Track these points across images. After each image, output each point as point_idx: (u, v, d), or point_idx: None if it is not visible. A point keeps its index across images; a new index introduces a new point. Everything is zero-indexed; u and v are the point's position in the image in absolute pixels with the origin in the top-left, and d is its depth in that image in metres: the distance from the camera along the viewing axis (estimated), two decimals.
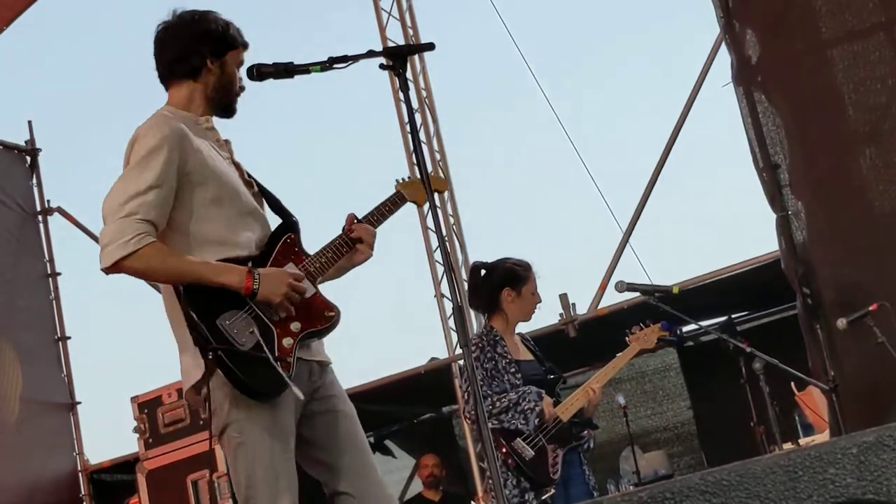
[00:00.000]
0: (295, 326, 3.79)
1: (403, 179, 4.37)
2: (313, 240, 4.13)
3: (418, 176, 4.21)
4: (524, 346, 6.33)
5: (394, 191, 4.30)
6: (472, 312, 10.52)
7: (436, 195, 3.98)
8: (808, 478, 1.63)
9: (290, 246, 3.97)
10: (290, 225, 4.04)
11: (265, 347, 3.66)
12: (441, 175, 10.74)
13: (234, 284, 3.69)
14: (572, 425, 6.11)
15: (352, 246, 4.06)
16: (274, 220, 4.07)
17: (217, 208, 3.82)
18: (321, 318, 3.90)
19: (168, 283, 3.79)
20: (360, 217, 4.15)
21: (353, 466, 3.96)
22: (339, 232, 4.10)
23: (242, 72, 3.96)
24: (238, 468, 3.79)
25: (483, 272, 6.33)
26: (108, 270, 3.70)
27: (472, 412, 6.01)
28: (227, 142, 4.07)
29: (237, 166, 4.04)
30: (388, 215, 4.23)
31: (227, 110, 4.04)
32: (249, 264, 3.76)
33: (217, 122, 4.05)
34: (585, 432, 6.18)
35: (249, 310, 3.72)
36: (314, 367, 3.92)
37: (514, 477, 5.93)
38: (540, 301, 6.34)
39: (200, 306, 3.68)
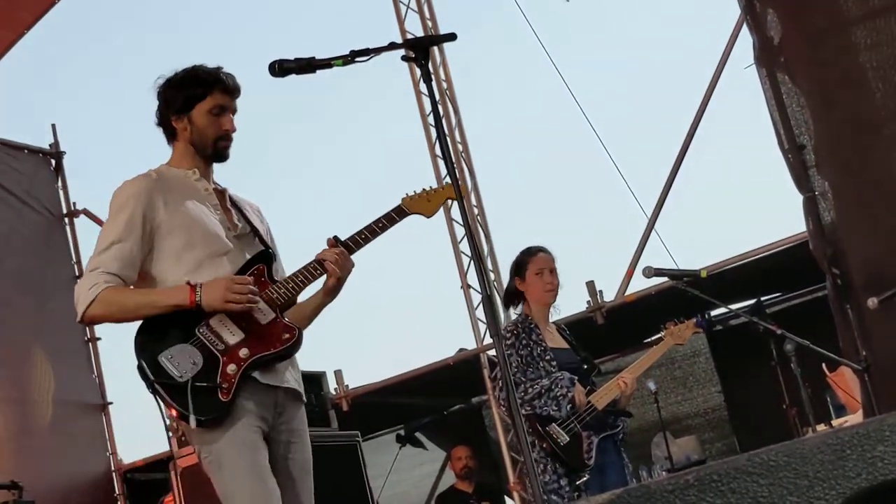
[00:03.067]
0: (243, 353, 3.99)
1: (413, 192, 4.42)
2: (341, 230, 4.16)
3: (435, 186, 4.43)
4: (560, 335, 6.35)
5: (396, 204, 4.37)
6: (499, 302, 10.55)
7: (456, 189, 3.95)
8: (856, 456, 1.62)
9: (256, 276, 4.15)
10: (261, 256, 4.24)
11: (191, 377, 3.89)
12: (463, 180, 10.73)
13: (181, 301, 3.98)
14: (607, 414, 6.13)
15: (319, 270, 4.18)
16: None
17: (188, 252, 4.10)
18: (276, 341, 4.07)
19: (132, 321, 4.09)
20: (347, 235, 4.23)
21: None
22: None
23: (239, 115, 4.27)
24: (219, 488, 4.02)
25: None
26: (82, 322, 4.17)
27: (505, 399, 6.05)
28: (220, 191, 4.34)
29: (229, 210, 4.29)
30: (382, 231, 4.30)
31: (215, 157, 4.30)
32: (188, 280, 4.00)
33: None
34: (620, 421, 6.19)
35: (195, 341, 3.97)
36: (280, 395, 4.12)
37: (551, 462, 5.96)
38: (549, 281, 6.33)
39: (147, 342, 3.99)
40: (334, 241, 4.22)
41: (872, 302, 6.17)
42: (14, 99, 14.88)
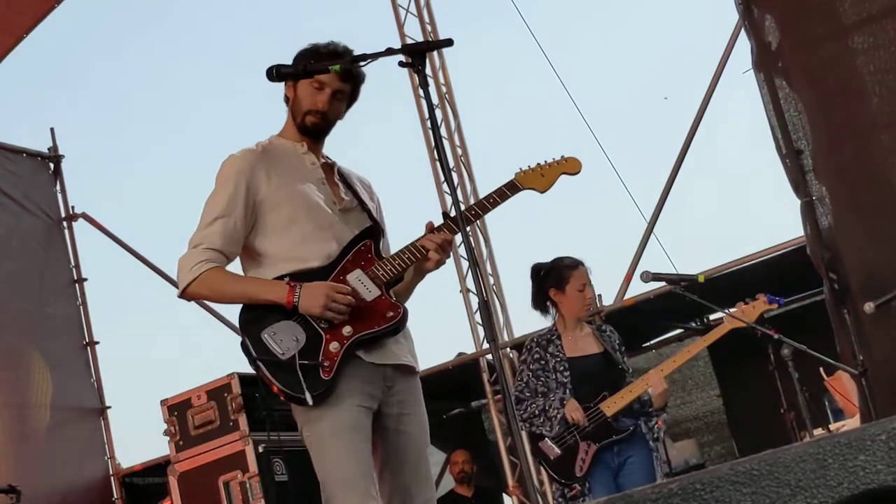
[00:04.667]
0: (346, 331, 3.95)
1: (527, 167, 4.35)
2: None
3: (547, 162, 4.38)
4: (597, 338, 6.36)
5: (510, 179, 4.30)
6: (497, 306, 10.56)
7: (454, 193, 3.96)
8: (837, 465, 1.63)
9: (363, 252, 4.12)
10: (368, 232, 4.19)
11: (297, 355, 3.86)
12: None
13: (278, 300, 3.94)
14: (632, 414, 6.18)
15: (422, 254, 4.11)
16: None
17: (291, 227, 4.08)
18: (380, 319, 4.02)
19: (229, 303, 4.15)
20: (454, 213, 4.09)
21: (408, 490, 4.10)
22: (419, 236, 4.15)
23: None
24: (317, 467, 3.98)
25: (538, 272, 6.42)
26: (181, 297, 4.11)
27: (513, 413, 6.12)
28: (329, 164, 4.31)
29: (336, 184, 4.25)
30: (493, 207, 4.25)
31: (306, 132, 4.25)
32: (287, 279, 3.97)
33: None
34: (632, 424, 6.22)
35: (298, 318, 3.94)
36: (388, 371, 4.08)
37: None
38: (591, 296, 6.40)
39: (250, 319, 3.98)
40: (441, 223, 4.13)
41: (869, 307, 6.17)
42: (13, 102, 14.91)
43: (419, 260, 4.10)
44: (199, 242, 4.03)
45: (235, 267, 4.17)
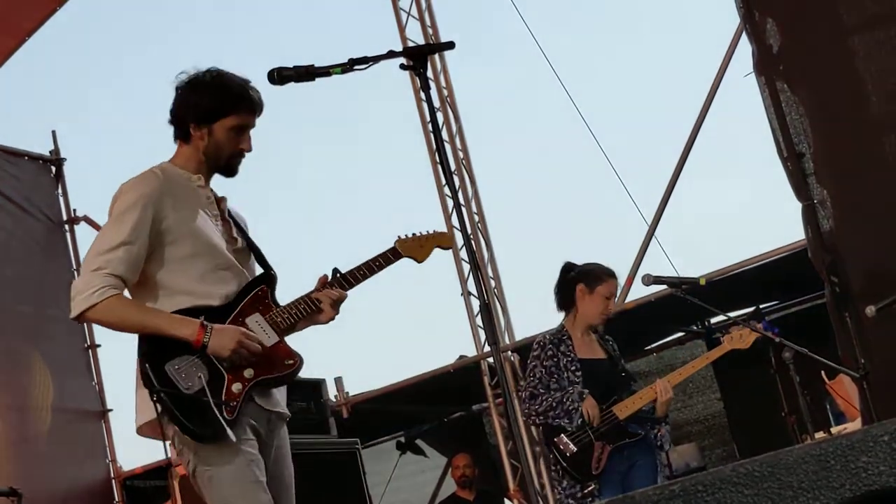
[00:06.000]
0: (248, 373, 3.97)
1: (405, 235, 4.43)
2: (336, 245, 4.16)
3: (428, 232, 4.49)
4: (601, 345, 6.41)
5: (391, 245, 4.37)
6: (499, 309, 10.56)
7: (456, 196, 3.97)
8: (840, 467, 1.63)
9: (260, 297, 4.14)
10: (264, 278, 4.21)
11: (208, 392, 3.85)
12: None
13: (187, 336, 3.90)
14: (638, 421, 6.21)
15: (317, 306, 4.16)
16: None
17: (191, 262, 4.03)
18: (279, 365, 4.06)
19: (131, 333, 4.00)
20: (344, 271, 4.24)
21: None
22: (312, 288, 4.21)
23: (257, 131, 4.18)
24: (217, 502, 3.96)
25: (569, 271, 6.49)
26: (76, 320, 4.01)
27: (527, 409, 6.16)
28: (221, 199, 4.26)
29: (227, 222, 4.24)
30: (377, 271, 4.31)
31: (224, 172, 4.22)
32: (202, 318, 3.93)
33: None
34: (641, 430, 6.24)
35: (201, 355, 3.91)
36: (272, 418, 4.11)
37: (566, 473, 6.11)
38: (612, 308, 6.43)
39: (153, 350, 3.92)
40: (331, 278, 4.22)
41: (870, 310, 6.17)
42: (14, 105, 14.90)
43: (313, 312, 4.15)
44: (101, 267, 3.94)
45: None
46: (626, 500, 1.62)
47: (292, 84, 4.07)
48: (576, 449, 6.10)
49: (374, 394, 10.64)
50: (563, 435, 6.11)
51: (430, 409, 11.39)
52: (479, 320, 10.27)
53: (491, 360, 9.99)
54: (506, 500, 10.17)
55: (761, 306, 9.52)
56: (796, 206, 7.04)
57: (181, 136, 4.19)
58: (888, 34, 6.75)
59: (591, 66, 14.66)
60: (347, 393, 10.56)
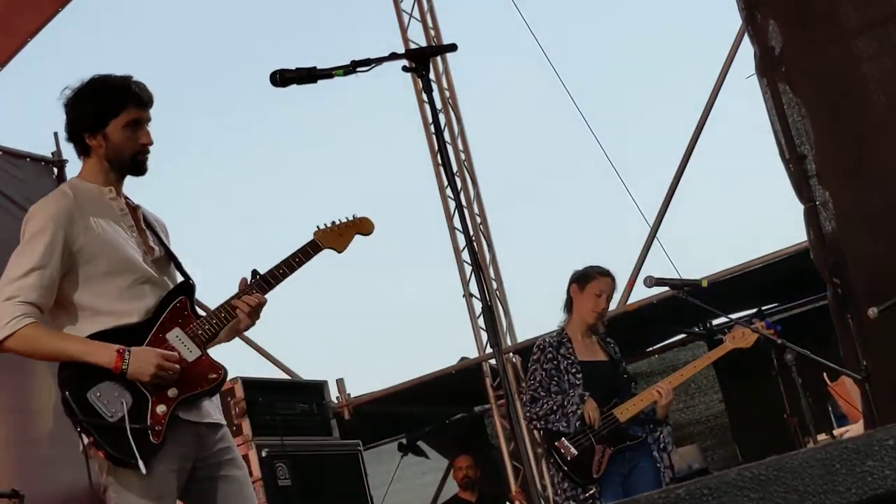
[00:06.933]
0: (172, 393, 3.90)
1: (324, 225, 4.33)
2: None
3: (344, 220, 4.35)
4: (602, 347, 6.42)
5: (310, 238, 4.27)
6: (500, 311, 10.56)
7: (458, 198, 3.95)
8: (845, 471, 1.63)
9: (179, 310, 4.06)
10: (182, 288, 4.13)
11: (127, 419, 3.79)
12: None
13: (105, 363, 3.83)
14: (640, 423, 6.20)
15: (234, 315, 4.09)
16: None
17: (108, 280, 3.96)
18: (203, 380, 3.99)
19: (49, 361, 4.01)
20: (263, 272, 4.14)
21: None
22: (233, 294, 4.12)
23: (157, 126, 4.11)
24: None
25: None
26: None
27: (528, 413, 6.16)
28: (134, 208, 4.19)
29: (143, 231, 4.15)
30: (297, 267, 4.19)
31: (133, 171, 4.15)
32: (119, 344, 3.85)
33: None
34: (642, 432, 6.24)
35: (123, 380, 3.84)
36: (202, 430, 4.02)
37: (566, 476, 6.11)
38: (602, 306, 6.43)
39: (74, 377, 3.85)
40: (251, 280, 4.12)
41: (873, 311, 6.17)
42: (16, 107, 14.91)
43: (232, 320, 4.08)
44: (14, 295, 3.87)
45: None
46: (631, 502, 1.62)
47: (294, 86, 4.08)
48: (577, 452, 6.09)
49: (376, 395, 10.64)
50: (563, 439, 6.10)
51: (432, 410, 11.38)
52: (480, 322, 10.27)
53: (493, 361, 10.01)
54: (507, 502, 10.17)
55: (763, 308, 9.51)
56: (798, 208, 7.05)
57: (81, 150, 4.16)
58: (890, 36, 6.75)
59: (593, 69, 14.66)
60: (349, 394, 10.57)
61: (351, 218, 4.39)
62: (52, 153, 11.48)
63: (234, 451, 4.12)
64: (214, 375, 4.01)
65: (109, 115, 4.06)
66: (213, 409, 4.09)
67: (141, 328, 3.96)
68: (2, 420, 9.82)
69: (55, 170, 11.46)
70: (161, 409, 3.85)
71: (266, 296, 4.12)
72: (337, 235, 4.32)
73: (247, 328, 4.15)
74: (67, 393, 3.83)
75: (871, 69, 6.83)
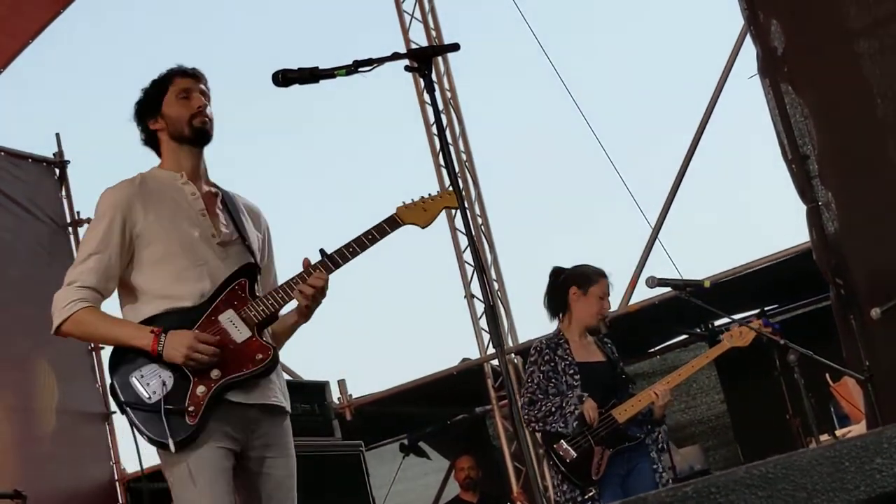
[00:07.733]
0: (215, 374, 3.91)
1: (411, 200, 4.25)
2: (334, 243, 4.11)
3: (434, 193, 4.29)
4: (599, 347, 6.39)
5: (390, 214, 4.19)
6: (502, 312, 10.56)
7: (460, 199, 3.91)
8: (854, 468, 1.63)
9: (236, 292, 4.06)
10: (244, 270, 4.11)
11: (163, 401, 3.83)
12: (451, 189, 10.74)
13: (144, 346, 3.90)
14: (637, 424, 6.19)
15: (291, 295, 4.07)
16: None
17: (166, 263, 4.02)
18: (249, 362, 3.97)
19: (100, 344, 4.04)
20: (334, 249, 4.07)
21: None
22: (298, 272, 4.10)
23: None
24: None
25: (559, 274, 6.42)
26: (55, 334, 4.04)
27: (526, 415, 6.14)
28: (213, 193, 4.24)
29: (217, 215, 4.17)
30: (370, 245, 4.11)
31: (197, 139, 4.20)
32: (158, 327, 3.91)
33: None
34: (640, 433, 6.23)
35: (163, 361, 3.90)
36: (254, 412, 4.01)
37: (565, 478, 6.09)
38: (608, 308, 6.40)
39: (120, 361, 3.95)
40: (316, 261, 4.07)
41: (875, 312, 6.18)
42: (18, 108, 14.91)
43: (288, 301, 4.06)
44: (74, 280, 4.00)
45: (114, 300, 4.13)
46: (638, 501, 1.61)
47: (296, 86, 4.08)
48: (576, 454, 6.06)
49: (378, 396, 10.64)
50: (562, 441, 6.08)
51: (434, 411, 11.38)
52: (482, 323, 10.27)
53: (494, 362, 10.00)
54: (509, 503, 10.16)
55: (766, 308, 9.50)
56: (801, 208, 7.05)
57: (152, 142, 4.25)
58: (892, 35, 6.75)
59: (594, 68, 14.66)
60: (351, 395, 10.57)
61: (441, 192, 4.32)
62: (54, 154, 11.50)
63: (285, 449, 4.11)
64: (262, 356, 3.98)
65: (161, 93, 4.19)
66: (271, 392, 4.06)
67: (195, 311, 3.99)
68: (5, 419, 9.83)
69: (56, 170, 11.48)
70: (201, 390, 3.87)
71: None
72: (421, 210, 4.23)
73: (309, 310, 4.11)
74: (114, 379, 3.91)
75: (873, 69, 6.83)
